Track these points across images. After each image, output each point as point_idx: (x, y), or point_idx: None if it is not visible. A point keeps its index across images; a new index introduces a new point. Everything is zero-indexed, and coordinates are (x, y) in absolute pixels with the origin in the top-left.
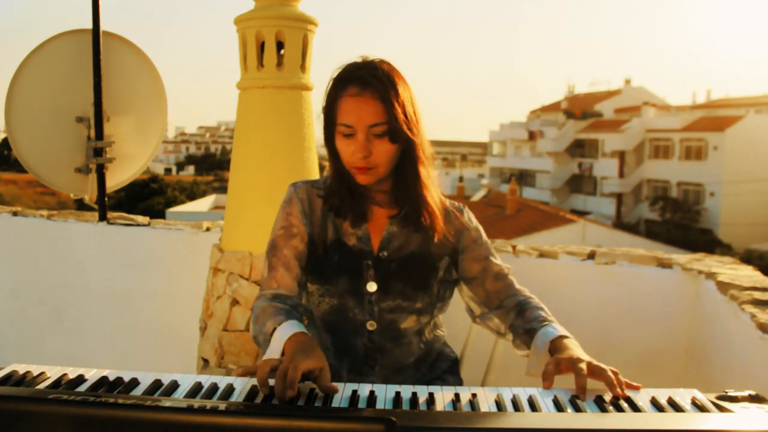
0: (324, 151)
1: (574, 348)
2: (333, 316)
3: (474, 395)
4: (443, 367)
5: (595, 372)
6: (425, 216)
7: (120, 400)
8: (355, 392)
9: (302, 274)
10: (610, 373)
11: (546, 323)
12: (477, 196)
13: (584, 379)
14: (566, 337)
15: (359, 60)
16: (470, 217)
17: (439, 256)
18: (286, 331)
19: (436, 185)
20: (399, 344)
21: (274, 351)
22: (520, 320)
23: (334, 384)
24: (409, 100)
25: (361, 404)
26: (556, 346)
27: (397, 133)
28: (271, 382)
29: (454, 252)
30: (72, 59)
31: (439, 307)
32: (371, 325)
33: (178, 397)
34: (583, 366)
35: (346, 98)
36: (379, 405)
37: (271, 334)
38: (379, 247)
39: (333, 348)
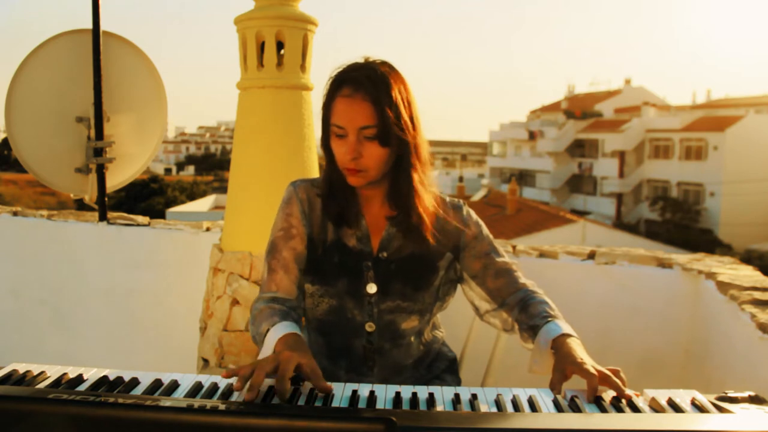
0: None
1: (577, 347)
2: (331, 317)
3: (474, 395)
4: (441, 366)
5: (602, 378)
6: (415, 219)
7: (120, 400)
8: (355, 392)
9: (301, 275)
10: (616, 380)
11: (549, 319)
12: (477, 196)
13: (596, 385)
14: (568, 335)
15: (361, 60)
16: (470, 214)
17: (440, 255)
18: (279, 331)
19: (429, 189)
20: (398, 345)
21: (266, 352)
22: (524, 316)
23: (329, 384)
24: (404, 103)
25: (361, 404)
26: (558, 344)
27: (388, 136)
28: (270, 381)
29: (456, 250)
30: (72, 59)
31: (438, 306)
32: (370, 327)
33: (178, 397)
34: (594, 372)
35: (340, 99)
36: (379, 405)
37: (266, 335)
38: (378, 248)
39: (328, 350)
